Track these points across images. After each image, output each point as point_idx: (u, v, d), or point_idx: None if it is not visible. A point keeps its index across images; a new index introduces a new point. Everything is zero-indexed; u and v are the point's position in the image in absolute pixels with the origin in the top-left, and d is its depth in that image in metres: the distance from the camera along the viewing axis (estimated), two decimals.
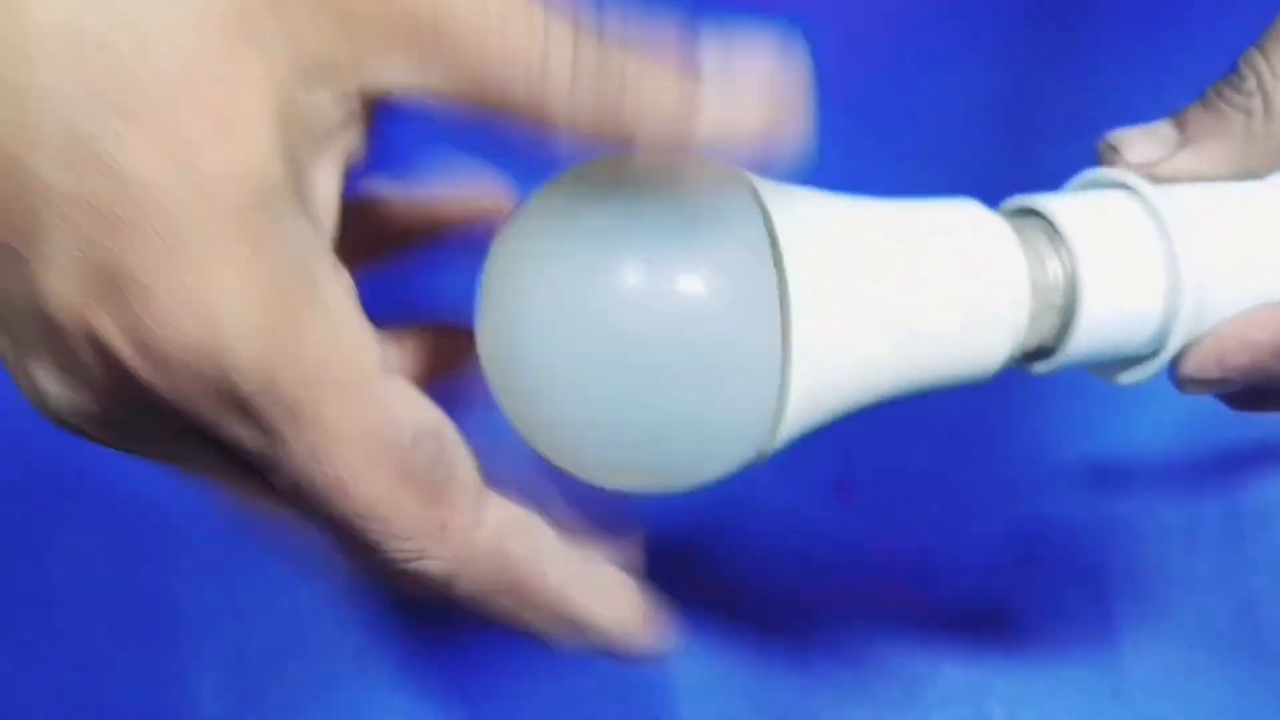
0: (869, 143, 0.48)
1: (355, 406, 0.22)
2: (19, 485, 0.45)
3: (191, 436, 0.22)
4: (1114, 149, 0.29)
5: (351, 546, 0.23)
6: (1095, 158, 0.30)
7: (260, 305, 0.20)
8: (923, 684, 0.42)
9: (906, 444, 0.44)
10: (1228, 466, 0.44)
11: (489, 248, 0.25)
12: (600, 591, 0.25)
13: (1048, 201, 0.28)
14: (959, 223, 0.26)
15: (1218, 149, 0.29)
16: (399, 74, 0.21)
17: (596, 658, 0.26)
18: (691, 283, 0.23)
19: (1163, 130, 0.30)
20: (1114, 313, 0.27)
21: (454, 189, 0.30)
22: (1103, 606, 0.43)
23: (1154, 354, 0.28)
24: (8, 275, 0.21)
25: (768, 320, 0.24)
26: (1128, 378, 0.29)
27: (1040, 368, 0.28)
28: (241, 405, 0.21)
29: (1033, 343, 0.27)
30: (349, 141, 0.23)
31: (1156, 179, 0.29)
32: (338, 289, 0.22)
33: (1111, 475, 0.44)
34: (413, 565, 0.23)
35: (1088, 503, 0.44)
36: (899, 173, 0.47)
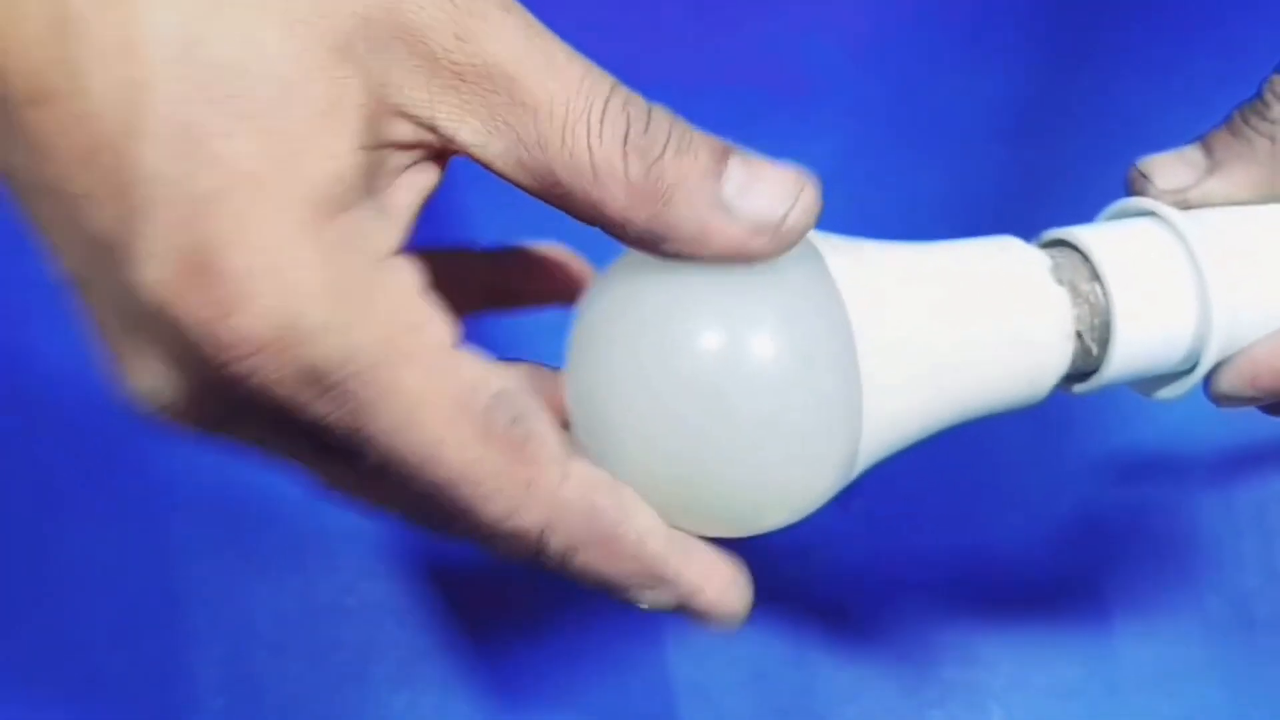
0: (887, 147, 0.48)
1: (434, 375, 0.23)
2: (19, 485, 0.45)
3: (279, 421, 0.23)
4: (1144, 176, 0.31)
5: (443, 516, 0.24)
6: (1125, 185, 0.31)
7: (339, 289, 0.22)
8: (921, 683, 0.42)
9: (902, 449, 0.44)
10: (1222, 466, 0.44)
11: (579, 303, 0.27)
12: (689, 550, 0.26)
13: (1082, 234, 0.29)
14: (1006, 263, 0.28)
15: (1244, 174, 0.30)
16: (465, 134, 0.23)
17: (682, 619, 0.27)
18: (763, 343, 0.24)
19: (1191, 155, 0.31)
20: (1148, 338, 0.29)
21: (535, 259, 0.33)
22: (1099, 605, 0.43)
23: (1189, 371, 0.30)
24: (107, 266, 0.22)
25: (838, 373, 0.25)
26: (1164, 394, 0.31)
27: (1080, 388, 0.30)
28: (325, 385, 0.22)
29: (1074, 368, 0.29)
30: (428, 173, 0.24)
31: (1187, 204, 0.30)
32: (409, 273, 0.23)
33: (1109, 476, 0.45)
34: (505, 525, 0.24)
35: (1085, 503, 0.44)
36: (921, 178, 0.48)
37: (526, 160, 0.23)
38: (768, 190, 0.24)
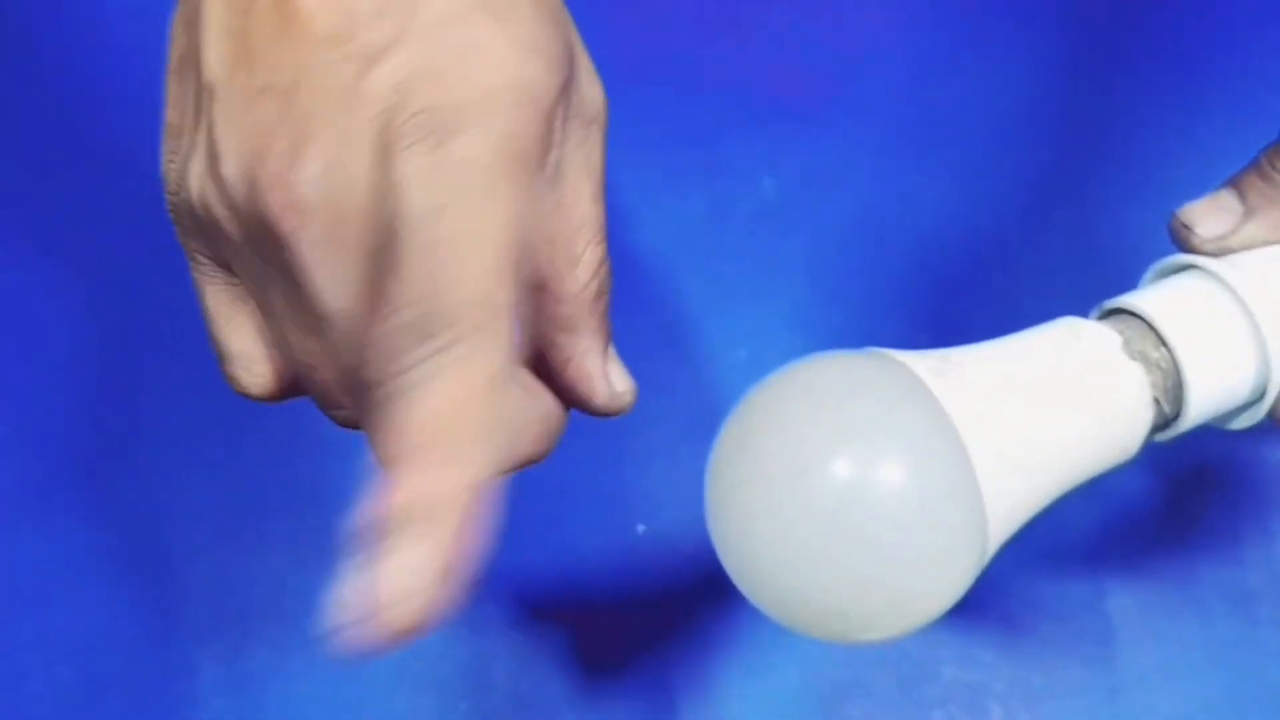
0: (892, 149, 0.48)
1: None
2: (19, 485, 0.45)
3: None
4: (1186, 227, 0.32)
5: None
6: (1168, 236, 0.33)
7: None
8: (921, 682, 0.42)
9: None
10: (1225, 466, 0.45)
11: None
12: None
13: (1142, 304, 0.31)
14: (1084, 351, 0.31)
15: (1279, 218, 0.32)
16: None
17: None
18: (891, 472, 0.27)
19: (1226, 201, 0.32)
20: (1217, 388, 0.31)
21: None
22: (1100, 605, 0.43)
23: (1257, 401, 0.33)
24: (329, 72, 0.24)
25: (961, 494, 0.27)
26: (1237, 424, 0.33)
27: (1161, 438, 0.32)
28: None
29: (1154, 425, 0.32)
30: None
31: (1228, 250, 0.32)
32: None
33: (1108, 476, 0.45)
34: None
35: (1084, 502, 0.44)
36: (926, 180, 0.48)
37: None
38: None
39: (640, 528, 0.44)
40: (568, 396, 0.29)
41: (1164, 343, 0.31)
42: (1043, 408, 0.29)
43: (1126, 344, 0.31)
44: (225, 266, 0.28)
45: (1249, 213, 0.32)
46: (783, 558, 0.27)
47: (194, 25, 0.26)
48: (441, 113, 0.24)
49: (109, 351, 0.47)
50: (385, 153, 0.24)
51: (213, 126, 0.25)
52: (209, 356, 0.46)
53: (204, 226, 0.26)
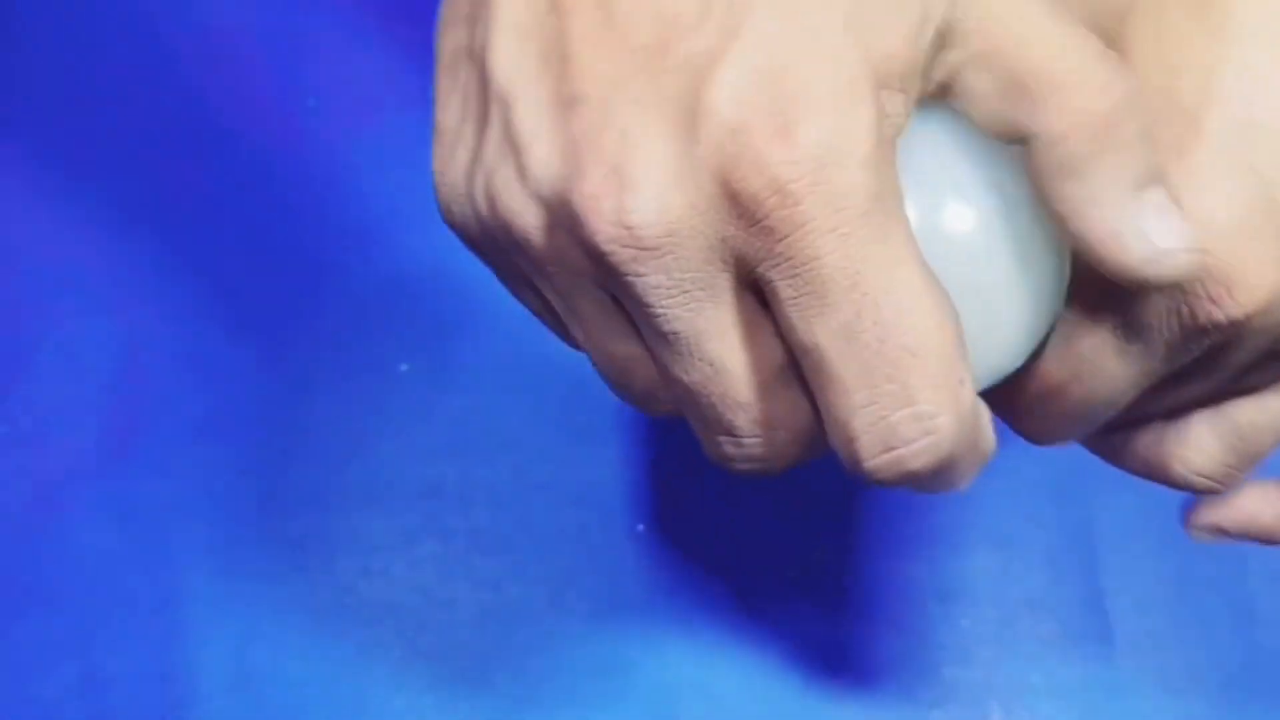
0: None
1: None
2: (19, 485, 0.45)
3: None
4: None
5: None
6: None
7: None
8: (921, 682, 0.42)
9: None
10: None
11: None
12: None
13: None
14: None
15: None
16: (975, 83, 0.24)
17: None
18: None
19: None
20: None
21: None
22: (1099, 605, 0.43)
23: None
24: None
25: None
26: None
27: None
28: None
29: None
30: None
31: None
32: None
33: (1109, 476, 0.45)
34: None
35: (1083, 502, 0.44)
36: None
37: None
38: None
39: (640, 527, 0.44)
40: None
41: None
42: None
43: None
44: (519, 274, 0.26)
45: None
46: None
47: (479, 21, 0.24)
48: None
49: (109, 351, 0.47)
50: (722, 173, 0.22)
51: (515, 136, 0.23)
52: (208, 356, 0.46)
53: (496, 237, 0.25)
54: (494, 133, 0.24)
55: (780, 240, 0.22)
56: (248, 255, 0.48)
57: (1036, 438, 0.29)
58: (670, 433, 0.45)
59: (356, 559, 0.44)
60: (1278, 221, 0.25)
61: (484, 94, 0.24)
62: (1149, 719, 0.42)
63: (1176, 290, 0.25)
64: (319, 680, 0.43)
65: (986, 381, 0.26)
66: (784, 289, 0.23)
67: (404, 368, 0.47)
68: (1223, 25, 0.25)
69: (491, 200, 0.24)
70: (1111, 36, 0.26)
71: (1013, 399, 0.28)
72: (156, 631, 0.43)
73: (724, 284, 0.23)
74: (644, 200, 0.22)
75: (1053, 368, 0.27)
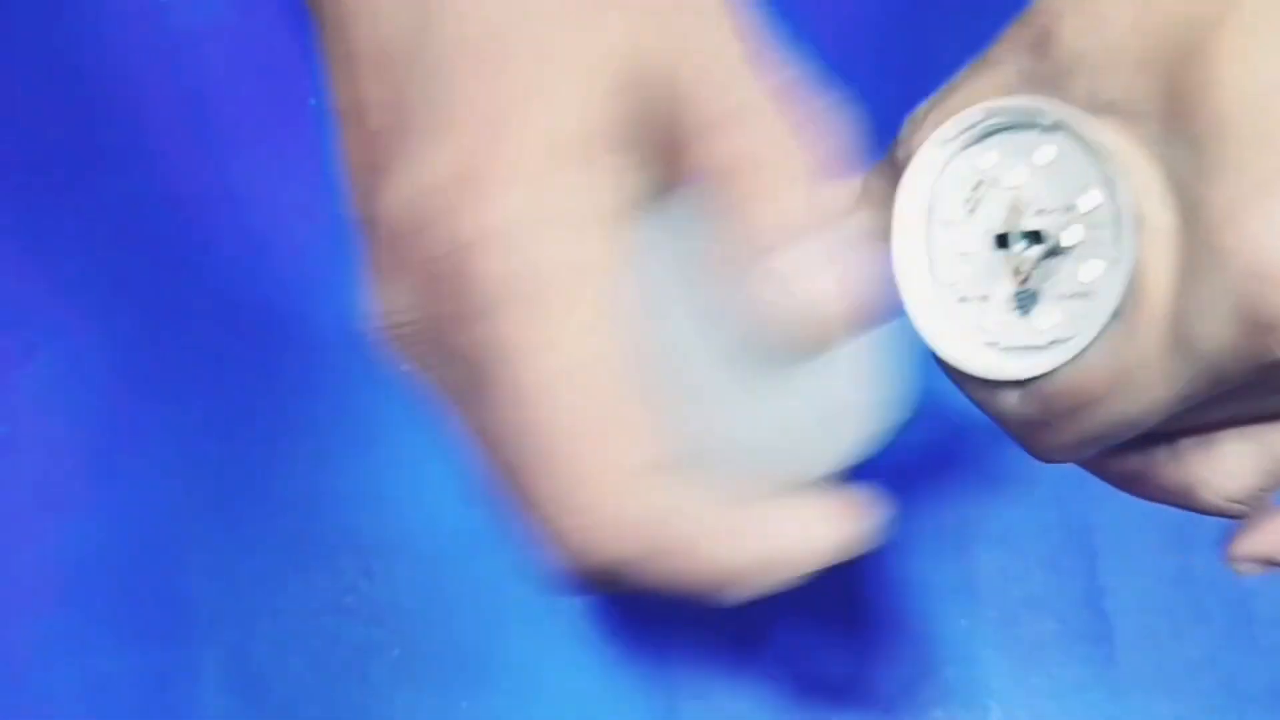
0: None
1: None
2: (19, 484, 0.45)
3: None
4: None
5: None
6: None
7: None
8: (922, 682, 0.42)
9: (903, 446, 0.44)
10: None
11: None
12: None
13: None
14: None
15: None
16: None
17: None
18: None
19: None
20: None
21: None
22: (1100, 605, 0.43)
23: None
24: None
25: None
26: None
27: None
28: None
29: None
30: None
31: None
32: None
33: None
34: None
35: (1083, 502, 0.44)
36: None
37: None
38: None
39: None
40: None
41: None
42: None
43: None
44: None
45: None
46: None
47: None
48: None
49: (109, 352, 0.47)
50: None
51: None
52: (207, 355, 0.45)
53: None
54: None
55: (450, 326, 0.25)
56: (247, 255, 0.48)
57: (1050, 454, 0.28)
58: None
59: (356, 559, 0.44)
60: None
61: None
62: (1149, 719, 0.42)
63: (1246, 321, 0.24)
64: (319, 680, 0.43)
65: (834, 465, 0.27)
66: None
67: (404, 367, 0.47)
68: None
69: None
70: (1195, 49, 0.25)
71: (1040, 410, 0.28)
72: (156, 631, 0.43)
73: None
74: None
75: (1094, 381, 0.26)
